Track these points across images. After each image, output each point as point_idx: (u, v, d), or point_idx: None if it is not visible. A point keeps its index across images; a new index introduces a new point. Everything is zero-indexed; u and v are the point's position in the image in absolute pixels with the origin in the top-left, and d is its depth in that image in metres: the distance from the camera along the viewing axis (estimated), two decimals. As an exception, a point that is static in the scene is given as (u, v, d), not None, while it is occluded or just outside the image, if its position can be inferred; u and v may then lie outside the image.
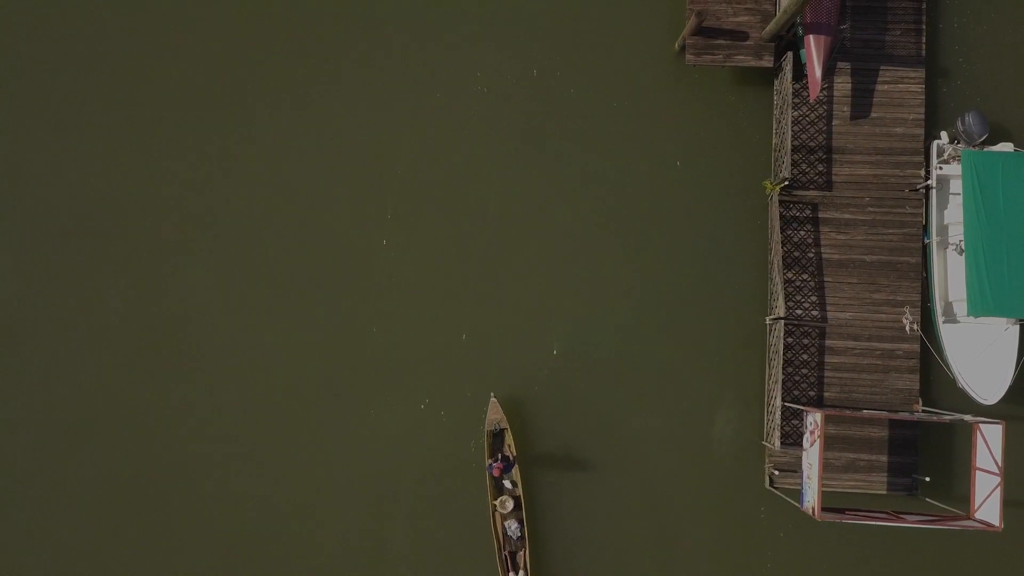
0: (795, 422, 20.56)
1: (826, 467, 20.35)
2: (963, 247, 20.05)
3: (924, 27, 21.11)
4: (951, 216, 20.73)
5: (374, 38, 21.98)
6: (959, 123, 20.52)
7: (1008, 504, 19.79)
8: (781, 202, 20.86)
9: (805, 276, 20.95)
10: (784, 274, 20.72)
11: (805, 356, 20.84)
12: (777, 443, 19.96)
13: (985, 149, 20.41)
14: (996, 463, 18.78)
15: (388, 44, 21.99)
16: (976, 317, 19.87)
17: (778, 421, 20.00)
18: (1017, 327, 20.24)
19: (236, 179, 21.86)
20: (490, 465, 20.48)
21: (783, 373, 20.32)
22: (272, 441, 21.40)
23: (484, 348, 21.27)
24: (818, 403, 20.73)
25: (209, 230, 21.80)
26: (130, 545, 21.35)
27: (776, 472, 20.73)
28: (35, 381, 21.62)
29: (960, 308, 20.42)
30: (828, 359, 20.80)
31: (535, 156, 21.70)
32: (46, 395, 21.58)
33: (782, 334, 20.20)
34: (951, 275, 20.64)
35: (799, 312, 20.87)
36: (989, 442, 18.99)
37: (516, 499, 20.67)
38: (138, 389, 21.55)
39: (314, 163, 21.85)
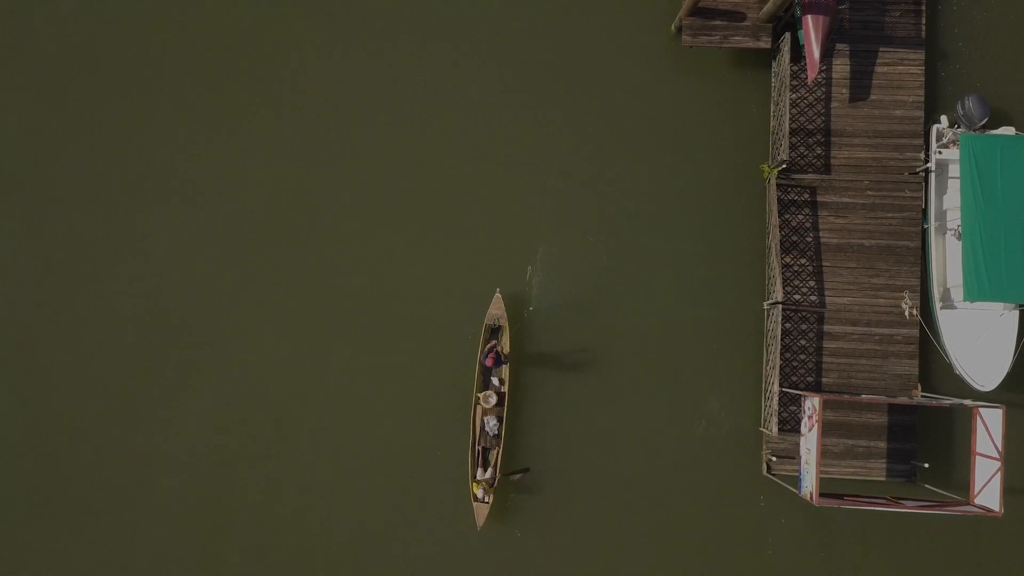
0: (793, 408, 20.33)
1: (824, 454, 20.13)
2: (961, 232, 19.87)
3: (924, 9, 20.88)
4: (950, 201, 20.53)
5: (370, 23, 21.76)
6: (959, 107, 20.28)
7: (1008, 489, 19.62)
8: (779, 186, 20.62)
9: (803, 260, 20.71)
10: (782, 258, 20.48)
11: (803, 341, 20.60)
12: (775, 429, 19.73)
13: (985, 133, 20.22)
14: (996, 448, 18.61)
15: (384, 25, 21.73)
16: (972, 302, 19.68)
17: (775, 407, 19.77)
18: (1015, 313, 20.07)
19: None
20: (485, 353, 20.31)
21: (781, 358, 20.09)
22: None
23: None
24: (816, 389, 20.50)
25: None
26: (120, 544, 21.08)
27: (774, 458, 20.50)
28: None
29: (958, 293, 20.19)
30: (826, 344, 20.58)
31: (531, 140, 21.42)
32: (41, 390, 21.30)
33: (780, 319, 19.95)
34: (950, 260, 20.44)
35: (797, 297, 20.64)
36: (989, 427, 18.82)
37: (501, 396, 20.53)
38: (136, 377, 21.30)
39: (315, 163, 21.63)
